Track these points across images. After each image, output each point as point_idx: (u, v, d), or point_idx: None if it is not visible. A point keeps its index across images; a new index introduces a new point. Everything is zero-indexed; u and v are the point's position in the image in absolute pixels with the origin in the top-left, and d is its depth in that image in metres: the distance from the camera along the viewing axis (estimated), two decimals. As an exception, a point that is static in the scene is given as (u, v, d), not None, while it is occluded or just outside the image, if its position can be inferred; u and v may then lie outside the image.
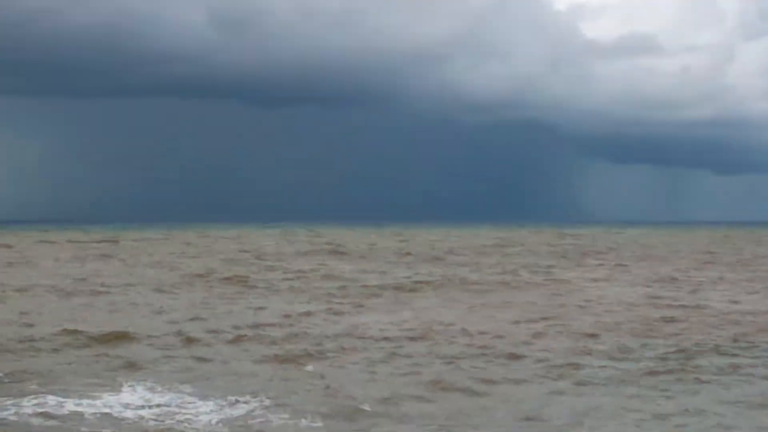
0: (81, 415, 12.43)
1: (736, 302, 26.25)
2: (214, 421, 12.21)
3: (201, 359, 16.61)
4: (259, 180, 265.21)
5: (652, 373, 15.41)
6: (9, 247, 57.11)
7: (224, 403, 13.14)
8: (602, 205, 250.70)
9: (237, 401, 13.19)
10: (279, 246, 62.39)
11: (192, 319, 21.67)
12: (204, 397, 13.41)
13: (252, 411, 12.75)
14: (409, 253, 51.77)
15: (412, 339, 19.06)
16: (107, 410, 12.69)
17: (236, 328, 20.33)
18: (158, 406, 12.95)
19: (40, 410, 12.57)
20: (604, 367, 16.10)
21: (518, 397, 13.92)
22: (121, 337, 18.62)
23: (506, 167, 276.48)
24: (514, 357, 17.09)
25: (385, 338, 19.17)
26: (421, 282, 32.19)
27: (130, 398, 13.34)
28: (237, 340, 18.86)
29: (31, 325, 20.54)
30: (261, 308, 24.28)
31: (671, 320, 22.06)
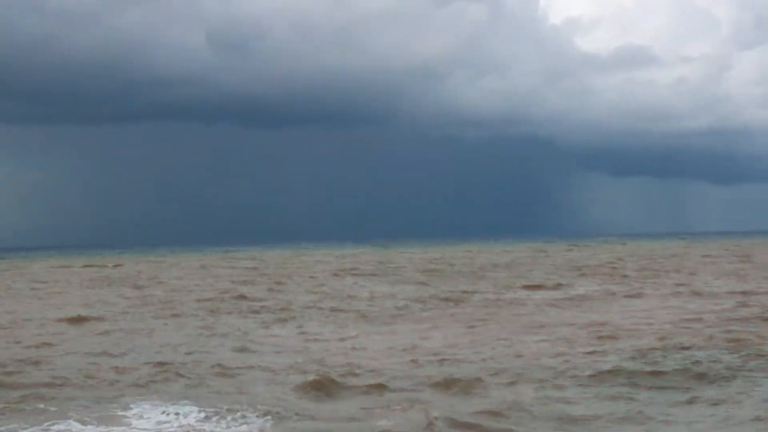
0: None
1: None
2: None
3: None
4: (262, 201, 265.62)
5: None
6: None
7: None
8: (602, 218, 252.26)
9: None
10: (308, 266, 61.25)
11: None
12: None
13: None
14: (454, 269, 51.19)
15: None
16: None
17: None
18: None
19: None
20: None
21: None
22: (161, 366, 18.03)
23: (506, 181, 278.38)
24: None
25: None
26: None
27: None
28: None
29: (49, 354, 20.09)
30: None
31: None
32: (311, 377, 16.39)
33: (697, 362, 17.00)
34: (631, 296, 31.73)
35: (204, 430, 12.88)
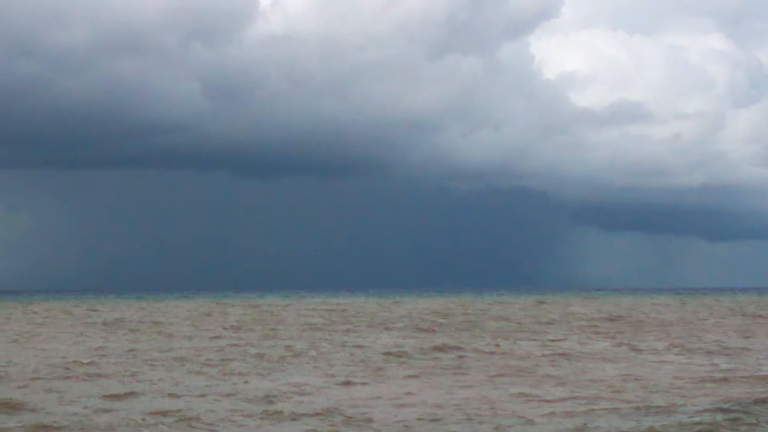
0: None
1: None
2: None
3: None
4: (252, 249, 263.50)
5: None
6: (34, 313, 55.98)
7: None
8: (594, 271, 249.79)
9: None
10: (302, 316, 60.38)
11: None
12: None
13: None
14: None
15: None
16: None
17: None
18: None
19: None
20: None
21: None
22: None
23: (498, 234, 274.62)
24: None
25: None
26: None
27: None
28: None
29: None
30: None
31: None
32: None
33: None
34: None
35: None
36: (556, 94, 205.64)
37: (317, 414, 17.89)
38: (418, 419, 17.23)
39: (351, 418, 17.51)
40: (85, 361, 27.89)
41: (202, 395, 20.44)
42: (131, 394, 20.75)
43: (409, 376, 24.33)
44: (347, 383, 22.72)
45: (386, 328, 44.65)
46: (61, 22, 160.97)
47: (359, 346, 33.40)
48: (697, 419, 16.86)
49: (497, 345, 33.83)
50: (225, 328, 45.22)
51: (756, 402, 18.81)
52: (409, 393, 20.97)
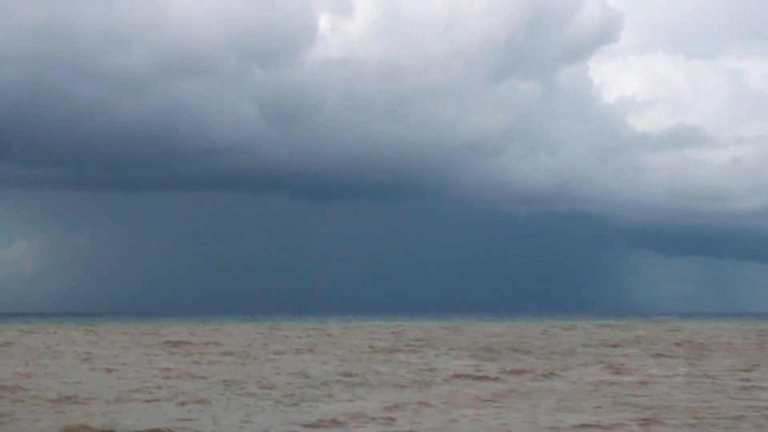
0: None
1: None
2: None
3: None
4: (308, 273, 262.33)
5: None
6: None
7: None
8: (652, 297, 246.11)
9: None
10: (377, 340, 59.76)
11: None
12: None
13: None
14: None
15: None
16: None
17: None
18: None
19: None
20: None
21: None
22: None
23: (556, 258, 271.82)
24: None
25: None
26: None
27: None
28: None
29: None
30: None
31: None
32: None
33: None
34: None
35: None
36: (615, 118, 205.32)
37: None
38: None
39: None
40: (157, 384, 27.54)
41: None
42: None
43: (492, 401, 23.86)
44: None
45: (468, 352, 44.22)
46: (121, 46, 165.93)
47: (433, 369, 32.67)
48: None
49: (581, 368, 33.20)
50: (300, 351, 44.96)
51: None
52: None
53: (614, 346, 50.08)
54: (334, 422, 19.80)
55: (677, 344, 53.21)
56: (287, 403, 23.08)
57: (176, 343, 51.42)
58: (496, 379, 29.72)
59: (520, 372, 31.69)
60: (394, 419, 20.21)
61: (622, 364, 35.98)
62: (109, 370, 32.57)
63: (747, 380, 29.73)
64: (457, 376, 30.86)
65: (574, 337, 62.42)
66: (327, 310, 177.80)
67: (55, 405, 22.50)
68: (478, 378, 30.13)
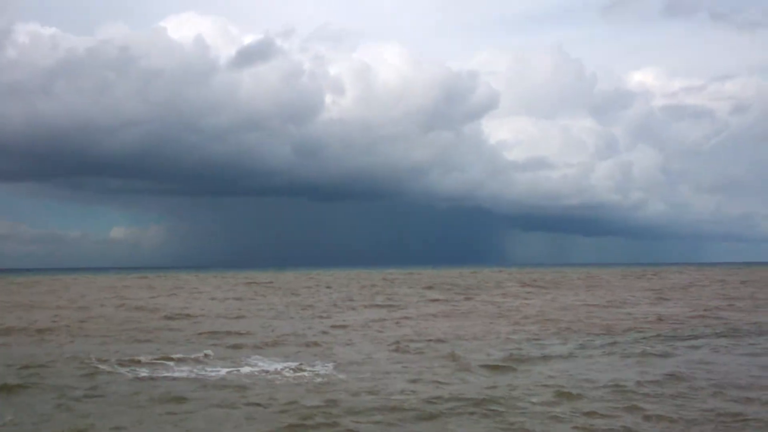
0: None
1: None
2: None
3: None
4: (322, 242, 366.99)
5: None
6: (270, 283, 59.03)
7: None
8: (517, 254, 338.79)
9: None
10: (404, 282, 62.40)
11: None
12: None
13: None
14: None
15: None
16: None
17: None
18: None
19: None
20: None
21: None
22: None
23: (465, 232, 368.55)
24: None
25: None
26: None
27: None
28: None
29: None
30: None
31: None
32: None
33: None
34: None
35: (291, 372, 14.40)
36: (497, 153, 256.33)
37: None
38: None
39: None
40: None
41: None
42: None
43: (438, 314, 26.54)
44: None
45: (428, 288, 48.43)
46: (212, 112, 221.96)
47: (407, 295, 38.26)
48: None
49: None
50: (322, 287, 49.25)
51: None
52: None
53: (500, 282, 60.19)
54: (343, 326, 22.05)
55: (534, 281, 64.59)
56: (321, 316, 26.70)
57: (264, 284, 59.60)
58: (440, 300, 35.66)
59: (449, 300, 36.26)
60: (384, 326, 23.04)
61: (508, 293, 42.05)
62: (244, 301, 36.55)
63: (583, 300, 34.92)
64: (423, 298, 35.97)
65: (478, 279, 73.40)
66: (337, 263, 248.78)
67: (211, 320, 25.77)
68: (432, 300, 35.63)
